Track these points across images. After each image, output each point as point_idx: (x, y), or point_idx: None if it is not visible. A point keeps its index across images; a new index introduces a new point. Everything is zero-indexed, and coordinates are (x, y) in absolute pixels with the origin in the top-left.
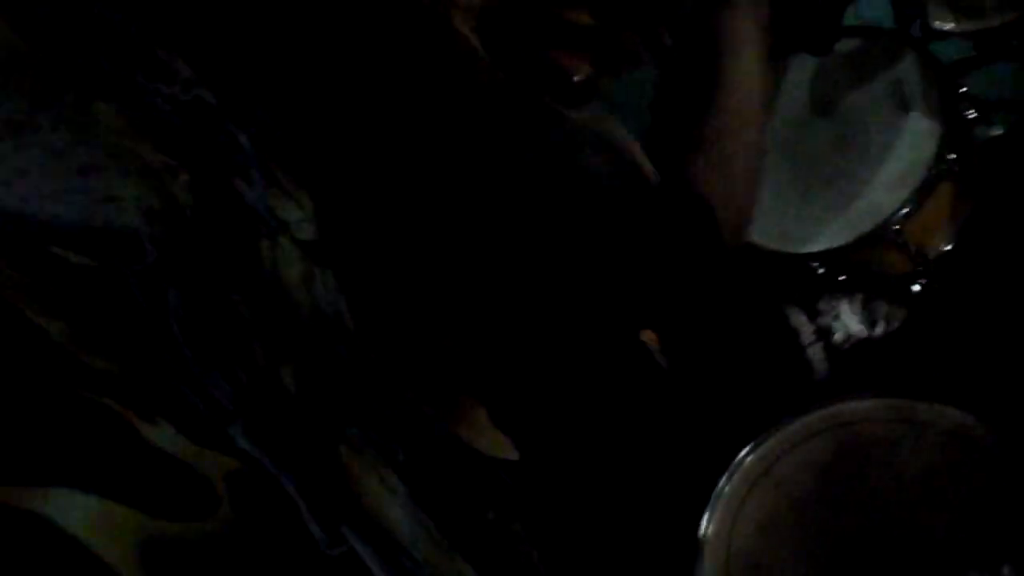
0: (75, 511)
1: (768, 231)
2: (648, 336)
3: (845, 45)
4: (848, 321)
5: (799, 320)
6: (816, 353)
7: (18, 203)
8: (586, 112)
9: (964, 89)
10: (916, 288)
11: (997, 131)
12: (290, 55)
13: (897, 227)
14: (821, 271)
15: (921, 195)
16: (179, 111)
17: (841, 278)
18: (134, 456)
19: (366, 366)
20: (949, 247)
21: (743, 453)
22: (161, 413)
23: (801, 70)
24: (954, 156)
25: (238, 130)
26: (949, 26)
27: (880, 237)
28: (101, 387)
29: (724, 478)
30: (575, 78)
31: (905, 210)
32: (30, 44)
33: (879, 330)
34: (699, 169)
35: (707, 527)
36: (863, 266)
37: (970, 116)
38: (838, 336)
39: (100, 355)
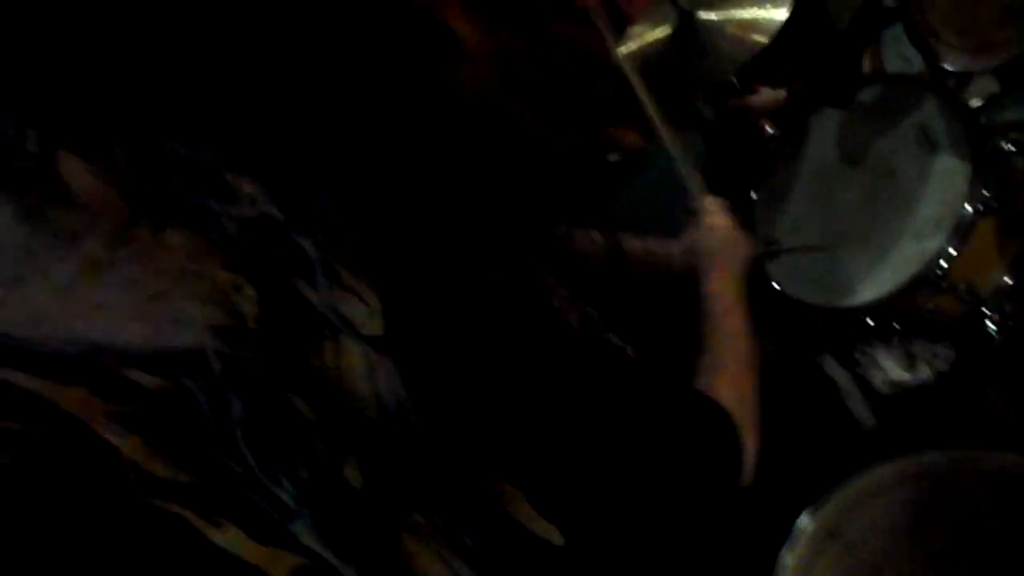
0: None
1: (808, 287)
2: None
3: (867, 95)
4: (888, 367)
5: (835, 371)
6: (857, 403)
7: (95, 334)
8: None
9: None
10: (990, 327)
11: None
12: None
13: (941, 270)
14: (871, 323)
15: (961, 235)
16: (246, 228)
17: (895, 326)
18: (202, 560)
19: (430, 455)
20: (1010, 281)
21: (804, 519)
22: (227, 516)
23: (827, 124)
24: (989, 192)
25: (302, 238)
26: (961, 66)
27: (925, 282)
28: (169, 495)
29: (785, 548)
30: (611, 158)
31: (947, 252)
32: (110, 185)
33: (924, 373)
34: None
35: None
36: (912, 313)
37: (1007, 149)
38: (879, 383)
39: (169, 466)
